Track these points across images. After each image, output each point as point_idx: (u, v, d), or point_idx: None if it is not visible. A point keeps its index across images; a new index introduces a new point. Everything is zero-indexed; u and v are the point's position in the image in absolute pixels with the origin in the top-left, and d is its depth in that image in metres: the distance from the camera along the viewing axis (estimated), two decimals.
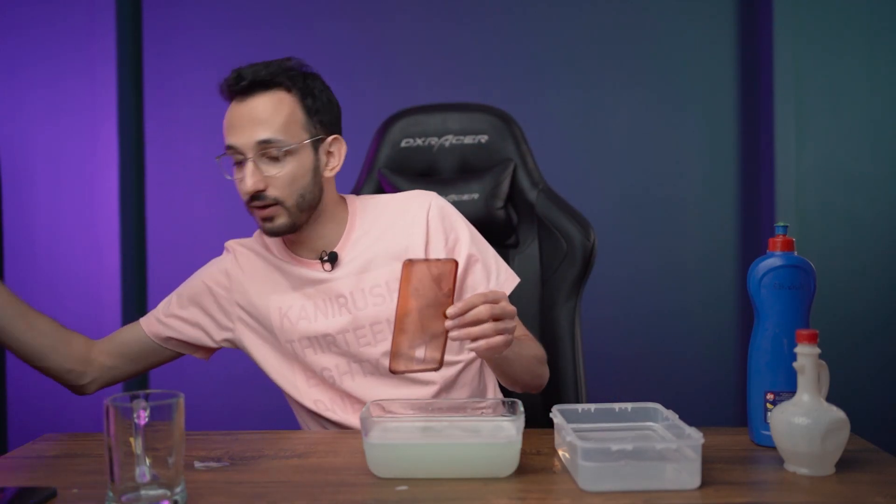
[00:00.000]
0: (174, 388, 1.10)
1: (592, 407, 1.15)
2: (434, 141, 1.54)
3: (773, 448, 1.07)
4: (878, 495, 0.94)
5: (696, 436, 0.98)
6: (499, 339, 1.10)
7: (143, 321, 1.43)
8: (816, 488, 0.98)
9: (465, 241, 1.39)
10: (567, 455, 1.04)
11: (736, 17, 2.48)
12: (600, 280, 2.09)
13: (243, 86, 1.27)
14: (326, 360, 1.37)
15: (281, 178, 1.27)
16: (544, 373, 1.38)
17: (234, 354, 2.47)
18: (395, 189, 1.62)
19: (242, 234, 2.46)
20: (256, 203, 1.28)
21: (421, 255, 1.35)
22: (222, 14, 2.47)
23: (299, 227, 1.33)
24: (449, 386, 1.39)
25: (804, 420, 1.00)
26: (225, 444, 1.18)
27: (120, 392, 1.00)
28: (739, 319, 2.49)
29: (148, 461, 0.88)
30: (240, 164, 1.29)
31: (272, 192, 1.27)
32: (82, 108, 2.42)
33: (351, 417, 1.38)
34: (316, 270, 1.37)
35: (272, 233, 1.32)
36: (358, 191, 1.69)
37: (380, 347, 1.35)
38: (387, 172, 1.68)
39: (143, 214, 2.50)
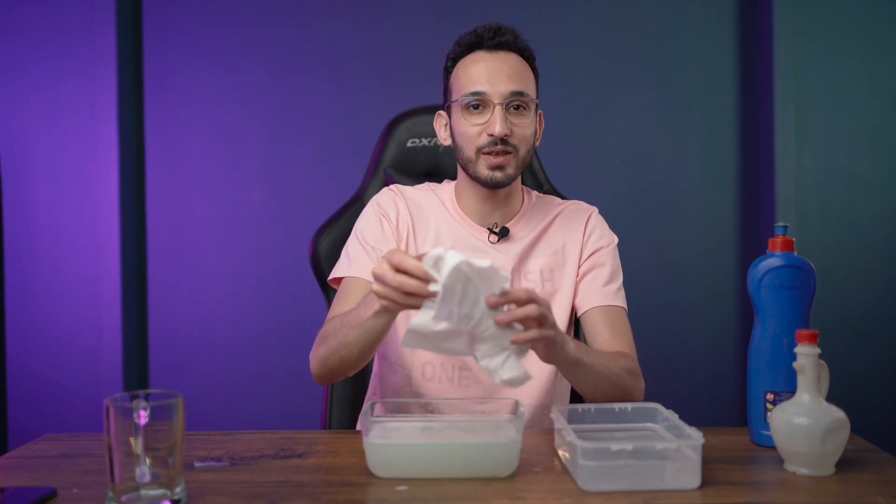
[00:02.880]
0: (174, 388, 1.10)
1: (592, 407, 1.15)
2: (439, 141, 1.54)
3: (773, 448, 1.07)
4: (878, 495, 0.94)
5: (696, 436, 0.98)
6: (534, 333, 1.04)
7: (361, 273, 1.36)
8: (816, 488, 0.98)
9: (606, 248, 1.43)
10: (567, 455, 1.04)
11: (736, 17, 2.48)
12: None
13: (501, 41, 1.35)
14: None
15: (523, 127, 1.34)
16: (629, 385, 1.29)
17: (234, 354, 2.49)
18: None
19: (242, 235, 2.49)
20: (500, 148, 1.32)
21: (576, 255, 1.42)
22: (222, 14, 2.47)
23: (510, 184, 1.37)
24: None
25: (804, 420, 1.00)
26: (225, 444, 1.18)
27: (120, 392, 1.00)
28: (739, 319, 2.49)
29: (148, 461, 0.88)
30: (477, 109, 1.33)
31: (513, 140, 1.33)
32: (82, 109, 2.41)
33: (447, 388, 1.38)
34: (480, 240, 1.41)
35: (499, 183, 1.34)
36: (363, 190, 1.68)
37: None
38: (392, 172, 1.67)
39: (143, 214, 2.49)
